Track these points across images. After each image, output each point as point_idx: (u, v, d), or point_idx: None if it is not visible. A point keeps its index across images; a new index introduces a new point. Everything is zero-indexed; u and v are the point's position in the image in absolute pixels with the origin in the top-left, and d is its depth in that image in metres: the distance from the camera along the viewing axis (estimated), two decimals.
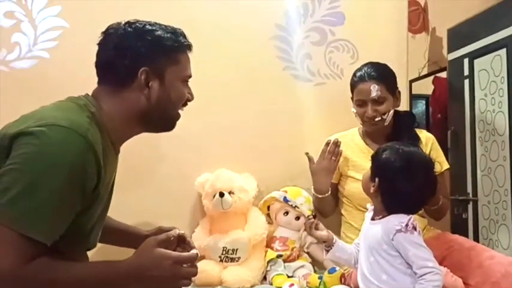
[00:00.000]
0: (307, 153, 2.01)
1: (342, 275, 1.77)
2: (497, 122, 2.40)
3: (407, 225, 1.39)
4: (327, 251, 1.59)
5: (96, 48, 1.28)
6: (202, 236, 2.01)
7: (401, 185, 1.44)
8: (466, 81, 2.61)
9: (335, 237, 1.60)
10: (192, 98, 1.37)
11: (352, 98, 1.97)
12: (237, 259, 1.95)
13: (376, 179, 1.48)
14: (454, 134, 2.70)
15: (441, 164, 1.97)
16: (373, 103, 1.87)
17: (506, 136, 2.34)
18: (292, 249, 2.02)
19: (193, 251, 1.20)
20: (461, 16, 2.67)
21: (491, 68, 2.44)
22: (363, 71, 1.92)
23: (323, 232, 1.59)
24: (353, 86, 1.95)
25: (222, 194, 1.97)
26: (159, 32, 1.26)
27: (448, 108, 2.83)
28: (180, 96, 1.32)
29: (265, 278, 1.99)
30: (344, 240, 1.97)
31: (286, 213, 2.06)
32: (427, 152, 1.90)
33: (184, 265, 1.13)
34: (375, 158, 1.53)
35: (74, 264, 1.09)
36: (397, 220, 1.41)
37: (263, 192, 2.13)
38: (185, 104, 1.36)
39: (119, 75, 1.24)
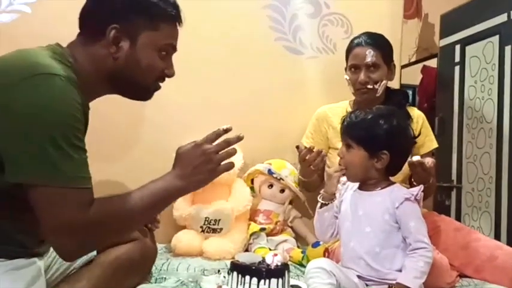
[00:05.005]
0: (297, 146, 1.83)
1: (326, 250, 1.73)
2: (486, 109, 2.40)
3: (417, 194, 1.39)
4: (322, 205, 1.53)
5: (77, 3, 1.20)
6: (184, 205, 1.94)
7: (407, 140, 1.46)
8: (457, 68, 2.61)
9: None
10: (171, 75, 1.26)
11: (346, 67, 1.94)
12: (218, 230, 1.89)
13: (385, 152, 1.40)
14: (441, 121, 2.69)
15: (430, 142, 1.98)
16: (367, 69, 1.86)
17: (494, 123, 2.34)
18: (276, 223, 1.97)
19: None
20: (454, 2, 2.67)
21: (482, 55, 2.44)
22: (361, 37, 1.92)
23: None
24: (349, 51, 1.94)
25: None
26: None
27: (436, 94, 2.83)
28: (151, 65, 1.20)
29: (247, 250, 1.93)
30: None
31: (271, 186, 2.01)
32: (418, 130, 1.87)
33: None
34: (366, 134, 1.42)
35: (125, 193, 1.11)
36: (406, 189, 1.42)
37: (249, 165, 2.06)
38: (162, 79, 1.26)
39: (92, 27, 1.17)
